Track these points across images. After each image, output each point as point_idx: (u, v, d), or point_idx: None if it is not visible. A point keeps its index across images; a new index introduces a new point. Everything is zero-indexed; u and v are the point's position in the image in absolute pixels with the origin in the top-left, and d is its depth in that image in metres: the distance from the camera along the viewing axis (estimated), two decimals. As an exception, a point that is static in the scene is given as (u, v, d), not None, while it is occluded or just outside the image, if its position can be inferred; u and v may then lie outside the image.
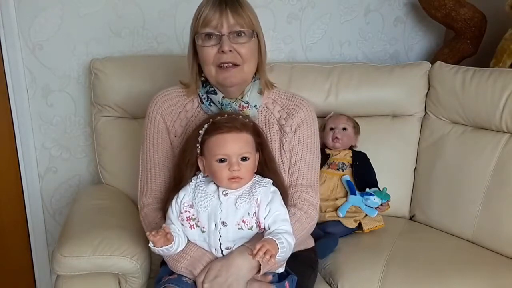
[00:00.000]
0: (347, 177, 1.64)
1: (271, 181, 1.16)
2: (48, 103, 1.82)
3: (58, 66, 1.80)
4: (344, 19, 2.08)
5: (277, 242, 1.04)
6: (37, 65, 1.78)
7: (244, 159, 1.11)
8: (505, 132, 1.61)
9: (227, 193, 1.12)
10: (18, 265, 1.96)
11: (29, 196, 1.89)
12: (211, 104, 1.28)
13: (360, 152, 1.72)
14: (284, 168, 1.29)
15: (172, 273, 1.18)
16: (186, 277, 1.15)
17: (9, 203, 1.89)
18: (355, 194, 1.60)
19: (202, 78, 1.29)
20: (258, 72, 1.29)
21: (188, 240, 1.16)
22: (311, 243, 1.39)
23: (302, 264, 1.27)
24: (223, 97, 1.26)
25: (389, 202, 1.62)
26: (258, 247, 1.01)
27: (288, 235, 1.09)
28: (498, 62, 1.79)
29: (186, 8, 1.84)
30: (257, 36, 1.22)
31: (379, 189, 1.62)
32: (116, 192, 1.69)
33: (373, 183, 1.65)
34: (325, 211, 1.61)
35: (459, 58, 1.99)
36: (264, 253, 1.00)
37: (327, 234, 1.55)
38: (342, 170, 1.67)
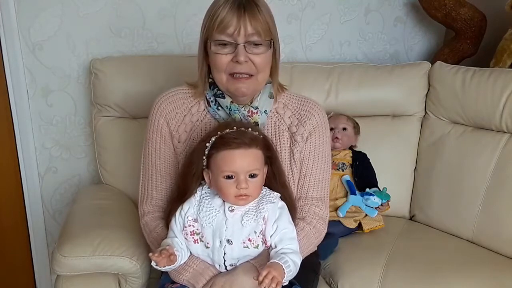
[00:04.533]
0: (347, 177, 1.64)
1: (279, 195, 1.12)
2: (48, 103, 1.82)
3: (58, 66, 1.79)
4: (344, 19, 2.08)
5: (283, 266, 1.01)
6: (37, 65, 1.78)
7: (252, 176, 1.06)
8: (505, 132, 1.60)
9: (233, 209, 1.08)
10: (18, 265, 1.96)
11: (29, 196, 1.89)
12: (219, 108, 1.22)
13: (360, 152, 1.72)
14: (293, 179, 1.26)
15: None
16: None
17: (9, 203, 1.89)
18: (355, 194, 1.60)
19: (210, 80, 1.23)
20: (271, 76, 1.22)
21: (190, 252, 1.13)
22: (314, 247, 1.38)
23: (305, 269, 1.22)
24: (231, 101, 1.20)
25: (389, 202, 1.62)
26: (264, 274, 0.98)
27: (294, 255, 1.06)
28: (498, 62, 1.79)
29: (186, 8, 1.83)
30: (273, 44, 1.17)
31: (379, 189, 1.62)
32: (116, 192, 1.69)
33: (373, 183, 1.65)
34: (325, 211, 1.61)
35: (459, 58, 1.99)
36: (271, 280, 0.97)
37: (327, 234, 1.54)
38: (342, 170, 1.67)
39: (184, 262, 1.11)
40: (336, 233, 1.57)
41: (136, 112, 1.69)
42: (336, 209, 1.61)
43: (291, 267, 1.03)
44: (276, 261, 1.02)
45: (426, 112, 1.83)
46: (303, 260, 1.13)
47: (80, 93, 1.84)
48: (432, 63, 1.83)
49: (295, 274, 1.08)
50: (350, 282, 1.39)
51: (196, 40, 1.86)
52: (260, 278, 0.98)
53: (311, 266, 1.31)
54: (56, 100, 1.83)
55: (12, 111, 1.79)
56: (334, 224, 1.58)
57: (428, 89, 1.81)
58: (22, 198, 1.89)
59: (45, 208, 1.93)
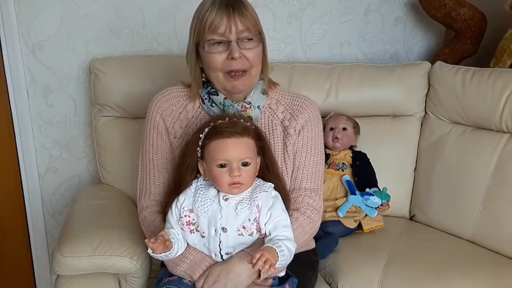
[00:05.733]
0: (347, 177, 1.64)
1: (273, 185, 1.15)
2: (48, 103, 1.82)
3: (58, 66, 1.79)
4: (344, 19, 2.08)
5: (277, 250, 1.03)
6: (37, 65, 1.78)
7: (245, 164, 1.09)
8: (505, 132, 1.60)
9: (227, 198, 1.11)
10: (18, 265, 1.96)
11: (29, 196, 1.89)
12: (213, 104, 1.25)
13: (360, 152, 1.72)
14: (287, 171, 1.28)
15: (172, 274, 1.17)
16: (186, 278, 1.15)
17: (9, 203, 1.89)
18: (355, 194, 1.60)
19: (203, 79, 1.26)
20: (262, 71, 1.26)
21: (187, 243, 1.15)
22: (312, 244, 1.38)
23: (303, 265, 1.26)
24: (225, 98, 1.24)
25: (389, 202, 1.62)
26: (257, 256, 0.99)
27: (288, 242, 1.07)
28: (498, 62, 1.79)
29: (186, 7, 1.83)
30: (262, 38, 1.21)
31: (379, 189, 1.62)
32: (116, 192, 1.69)
33: (373, 183, 1.65)
34: (325, 211, 1.61)
35: (459, 58, 1.99)
36: (264, 262, 0.98)
37: (327, 234, 1.55)
38: (342, 170, 1.67)
39: (181, 254, 1.13)
40: (336, 233, 1.57)
41: (136, 112, 1.69)
42: (336, 209, 1.61)
43: (284, 251, 1.04)
44: (270, 245, 1.04)
45: (426, 112, 1.83)
46: (301, 257, 1.15)
47: (80, 93, 1.84)
48: (432, 63, 1.83)
49: (290, 260, 1.09)
50: (350, 282, 1.39)
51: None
52: (254, 261, 0.99)
53: (309, 263, 1.33)
54: (56, 100, 1.83)
55: (12, 111, 1.80)
56: (334, 224, 1.59)
57: (428, 89, 1.81)
58: (22, 198, 1.89)
59: (45, 208, 1.93)
